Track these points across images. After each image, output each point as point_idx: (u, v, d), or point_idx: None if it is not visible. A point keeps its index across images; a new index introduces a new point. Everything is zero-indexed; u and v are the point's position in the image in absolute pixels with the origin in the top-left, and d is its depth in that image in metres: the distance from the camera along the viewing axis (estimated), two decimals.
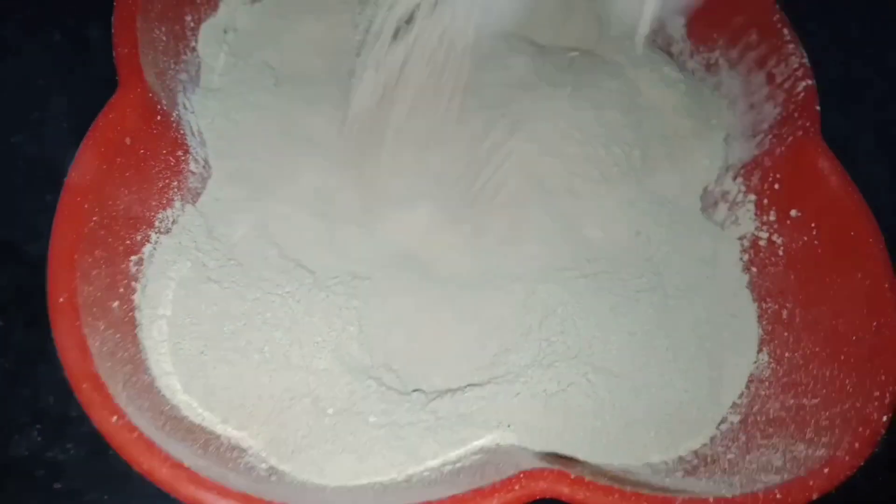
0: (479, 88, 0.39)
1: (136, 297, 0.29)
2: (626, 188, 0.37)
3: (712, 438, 0.33)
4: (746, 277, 0.37)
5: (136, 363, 0.28)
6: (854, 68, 0.52)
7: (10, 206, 0.41)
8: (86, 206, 0.26)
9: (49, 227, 0.40)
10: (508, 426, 0.30)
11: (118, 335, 0.27)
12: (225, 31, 0.39)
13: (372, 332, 0.32)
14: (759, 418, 0.33)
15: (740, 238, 0.37)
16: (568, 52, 0.42)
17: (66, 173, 0.42)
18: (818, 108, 0.36)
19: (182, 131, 0.33)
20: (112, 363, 0.26)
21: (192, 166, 0.33)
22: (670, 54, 0.43)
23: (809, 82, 0.36)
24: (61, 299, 0.24)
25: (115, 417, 0.23)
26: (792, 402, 0.32)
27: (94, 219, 0.27)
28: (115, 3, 0.32)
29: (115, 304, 0.28)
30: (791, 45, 0.37)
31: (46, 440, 0.35)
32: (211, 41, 0.38)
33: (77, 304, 0.25)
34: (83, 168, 0.27)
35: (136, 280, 0.30)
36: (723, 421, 0.34)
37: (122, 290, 0.29)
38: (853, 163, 0.35)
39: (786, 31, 0.38)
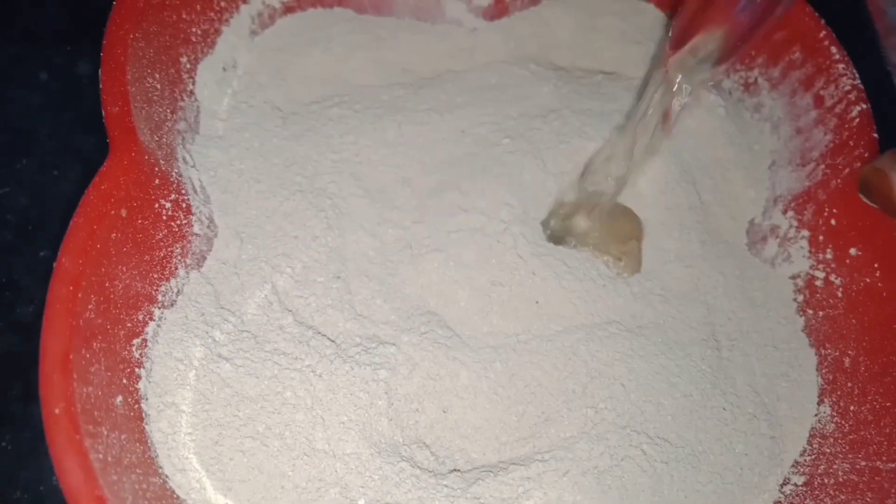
0: (503, 121, 0.36)
1: (142, 386, 0.26)
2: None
3: (776, 503, 0.30)
4: (802, 321, 0.34)
5: (146, 464, 0.25)
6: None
7: (1, 266, 0.38)
8: (80, 295, 0.23)
9: (44, 287, 0.38)
10: None
11: (124, 436, 0.24)
12: (224, 69, 0.36)
13: (402, 405, 0.29)
14: (826, 481, 0.30)
15: (793, 277, 0.34)
16: (592, 74, 0.39)
17: (61, 225, 0.39)
18: (876, 134, 0.33)
19: (184, 191, 0.30)
20: (118, 473, 0.23)
21: (197, 228, 0.30)
22: None
23: (864, 106, 0.33)
24: (57, 410, 0.21)
25: None
26: (864, 464, 0.29)
27: (90, 307, 0.24)
28: (102, 53, 0.29)
29: (119, 399, 0.25)
30: (841, 66, 0.34)
31: None
32: (210, 82, 0.35)
33: (75, 414, 0.22)
34: (75, 251, 0.24)
35: (139, 366, 0.27)
36: (785, 482, 0.31)
37: (125, 381, 0.26)
38: None
39: (834, 49, 0.35)
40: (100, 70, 0.28)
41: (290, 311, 0.30)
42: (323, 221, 0.33)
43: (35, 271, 0.38)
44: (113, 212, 0.25)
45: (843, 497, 0.29)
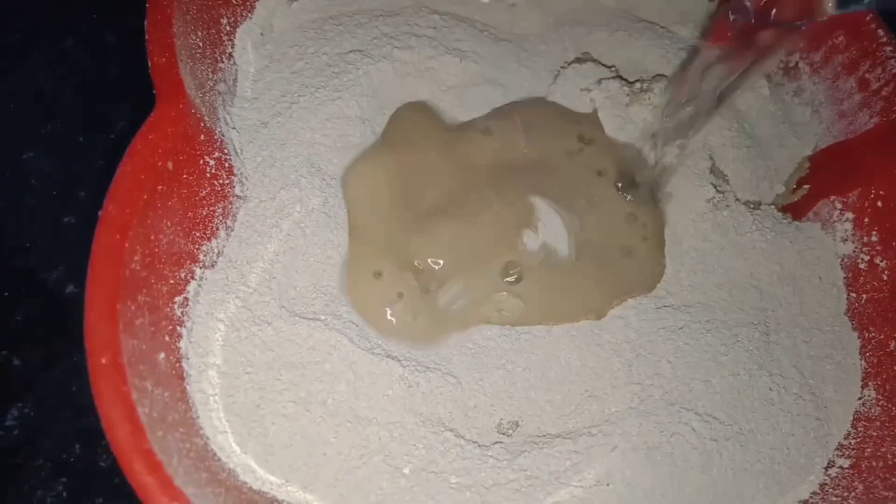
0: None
1: (183, 345, 0.26)
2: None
3: (822, 486, 0.30)
4: (845, 303, 0.33)
5: (188, 424, 0.24)
6: None
7: (25, 231, 0.37)
8: (126, 244, 0.22)
9: (68, 252, 0.37)
10: (608, 484, 0.26)
11: (167, 393, 0.23)
12: (262, 34, 0.35)
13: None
14: (875, 464, 0.30)
15: (837, 259, 0.34)
16: None
17: (85, 191, 0.38)
18: None
19: (226, 151, 0.29)
20: (164, 430, 0.22)
21: (238, 189, 0.30)
22: None
23: None
24: (104, 360, 0.21)
25: None
26: None
27: (136, 258, 0.23)
28: (147, 5, 0.28)
29: (161, 355, 0.24)
30: (888, 48, 0.34)
31: (73, 496, 0.32)
32: (248, 46, 0.34)
33: (122, 364, 0.21)
34: (121, 199, 0.23)
35: (181, 325, 0.26)
36: (830, 465, 0.30)
37: (167, 338, 0.25)
38: None
39: (881, 31, 0.34)
40: (145, 21, 0.27)
41: (321, 288, 0.29)
42: None
43: (59, 237, 0.37)
44: (160, 163, 0.24)
45: (894, 479, 0.28)
